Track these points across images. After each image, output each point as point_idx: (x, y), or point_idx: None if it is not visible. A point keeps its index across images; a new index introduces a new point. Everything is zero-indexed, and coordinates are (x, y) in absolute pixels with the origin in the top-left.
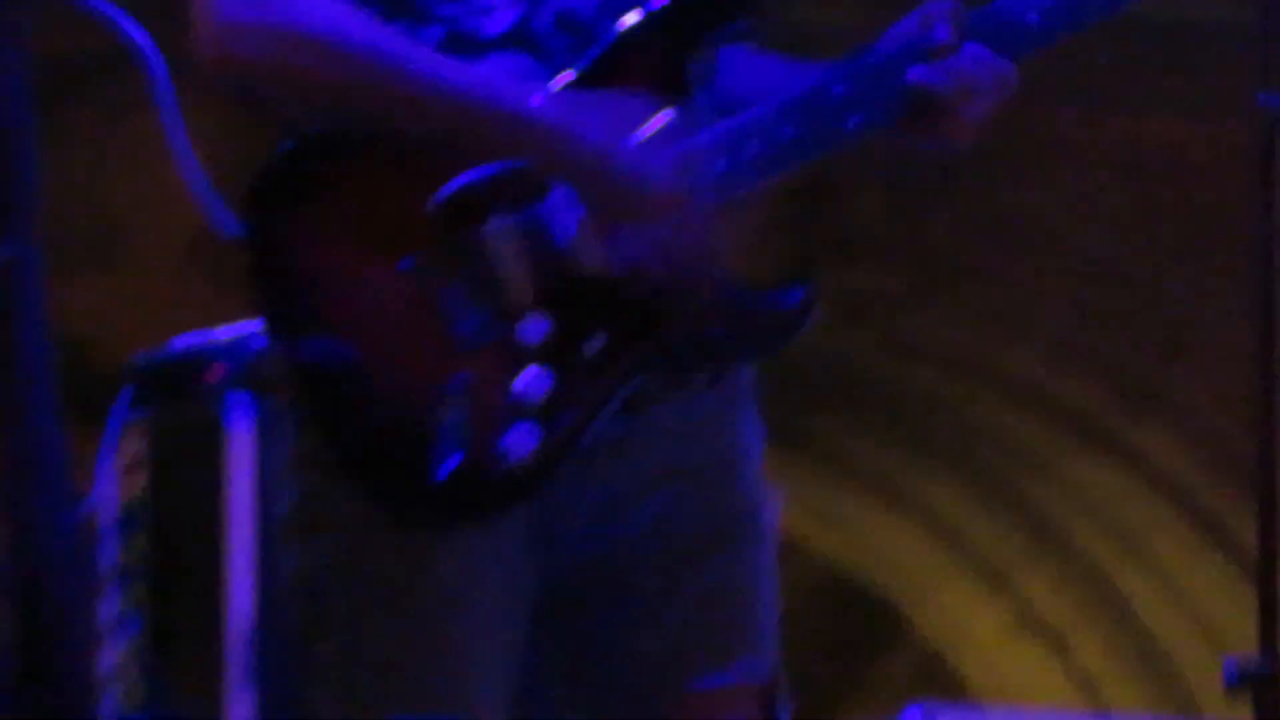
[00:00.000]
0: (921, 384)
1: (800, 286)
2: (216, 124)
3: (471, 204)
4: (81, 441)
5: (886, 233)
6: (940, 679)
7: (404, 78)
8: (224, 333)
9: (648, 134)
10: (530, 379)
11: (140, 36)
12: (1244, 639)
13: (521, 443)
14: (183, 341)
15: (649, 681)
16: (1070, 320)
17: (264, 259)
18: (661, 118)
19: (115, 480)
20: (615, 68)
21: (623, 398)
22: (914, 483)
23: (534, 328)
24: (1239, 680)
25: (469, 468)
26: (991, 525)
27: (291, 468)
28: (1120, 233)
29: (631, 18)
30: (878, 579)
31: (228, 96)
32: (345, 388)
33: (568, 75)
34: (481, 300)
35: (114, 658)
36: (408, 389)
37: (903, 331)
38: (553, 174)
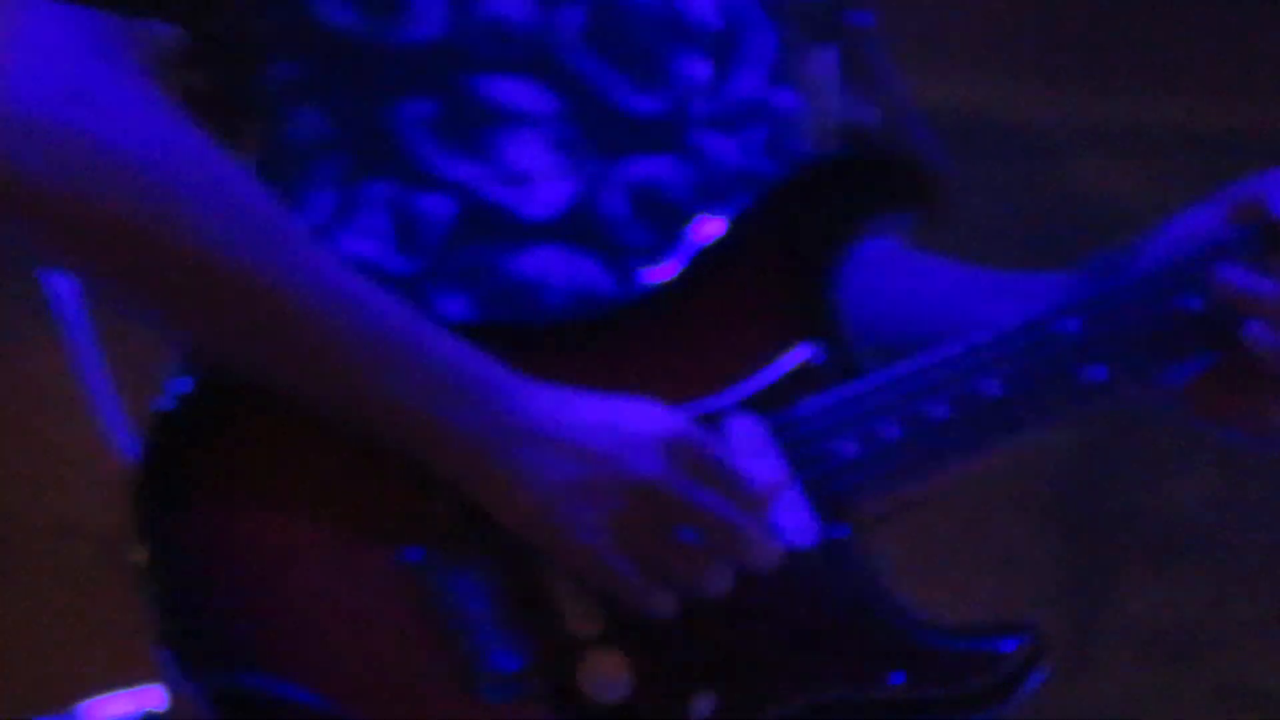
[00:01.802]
0: None
1: (1021, 632)
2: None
3: None
4: None
5: None
6: None
7: (317, 296)
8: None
9: (762, 385)
10: None
11: None
12: None
13: None
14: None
15: None
16: None
17: (170, 558)
18: (794, 356)
19: None
20: (714, 280)
21: None
22: None
23: (606, 672)
24: None
25: None
26: None
27: None
28: None
29: (744, 200)
30: None
31: None
32: None
33: (641, 284)
34: (524, 626)
35: None
36: None
37: None
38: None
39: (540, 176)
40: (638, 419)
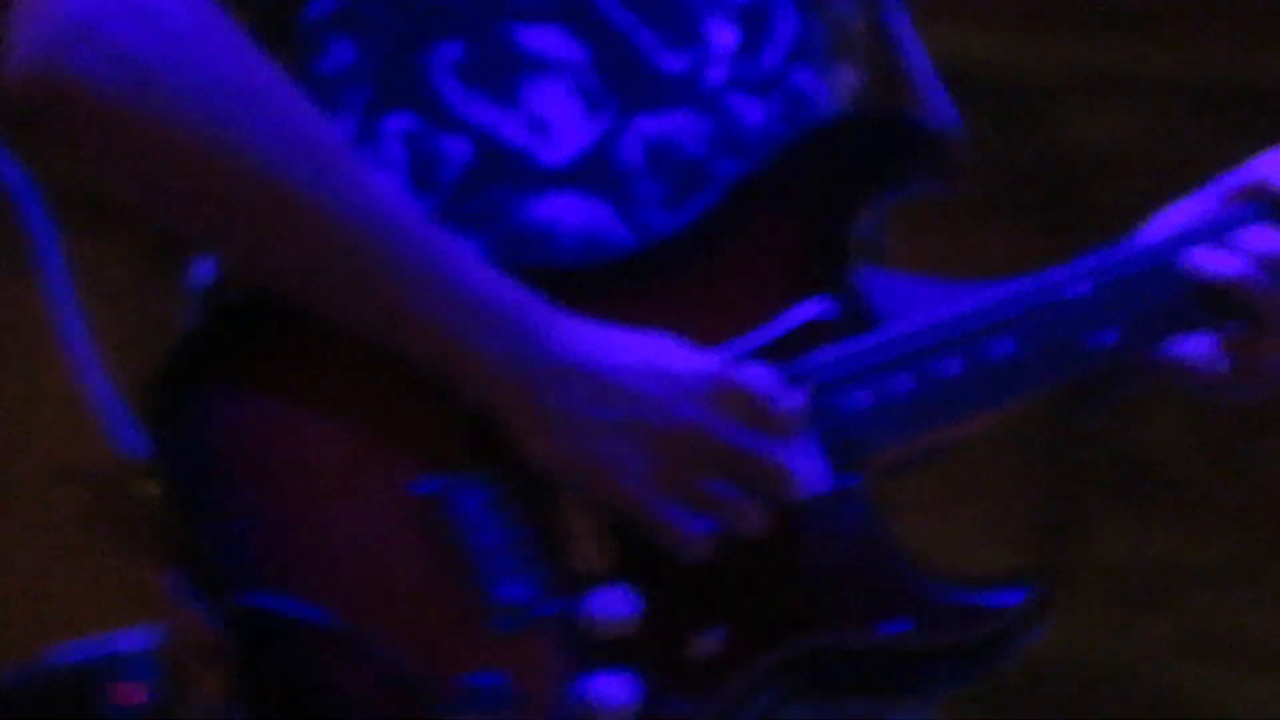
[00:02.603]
0: None
1: (1024, 585)
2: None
3: None
4: None
5: None
6: None
7: (357, 216)
8: (132, 639)
9: (773, 336)
10: (604, 686)
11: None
12: None
13: None
14: (71, 651)
15: None
16: None
17: (186, 480)
18: (806, 309)
19: None
20: (733, 231)
21: None
22: None
23: (614, 605)
24: None
25: None
26: None
27: None
28: None
29: (760, 156)
30: None
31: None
32: (311, 675)
33: (656, 234)
34: (534, 558)
35: None
36: (408, 683)
37: None
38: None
39: (560, 123)
40: (679, 360)
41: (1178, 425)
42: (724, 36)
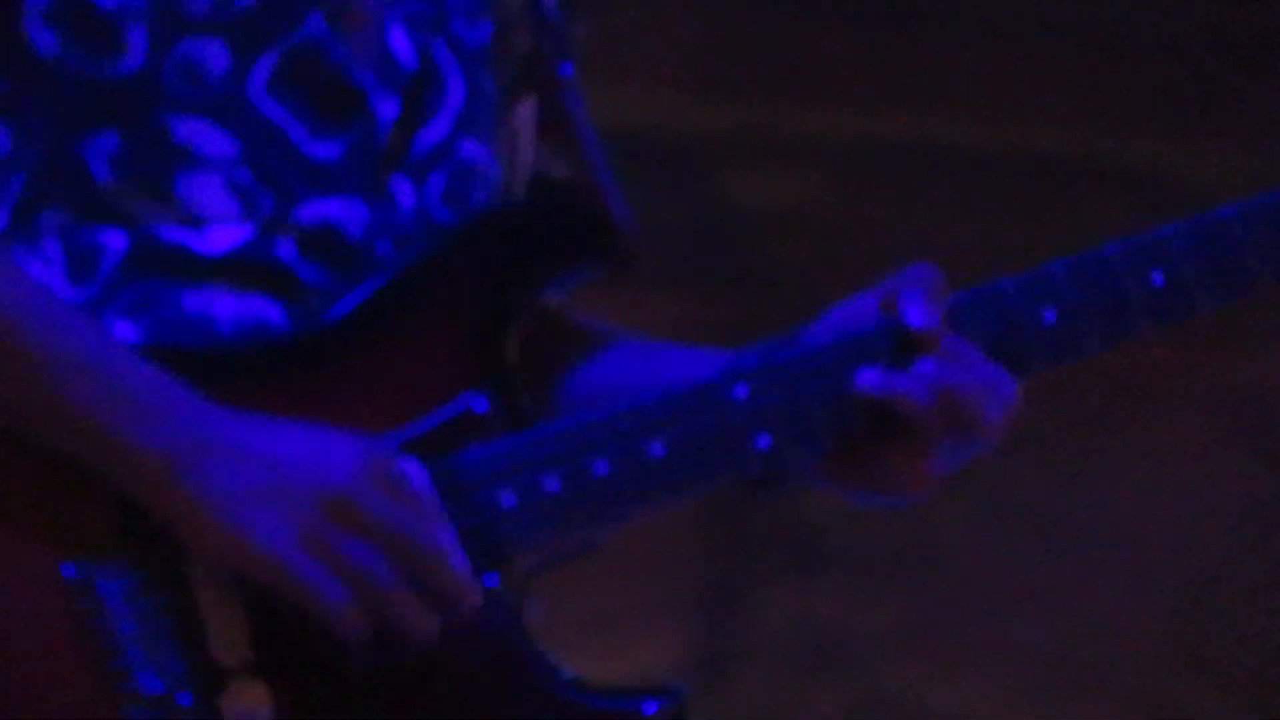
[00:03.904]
0: None
1: (663, 694)
2: None
3: None
4: None
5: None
6: None
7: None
8: None
9: (425, 429)
10: None
11: None
12: None
13: None
14: None
15: None
16: None
17: None
18: (459, 404)
19: None
20: (392, 320)
21: None
22: None
23: (248, 703)
24: None
25: None
26: None
27: None
28: None
29: (424, 243)
30: None
31: None
32: None
33: (316, 320)
34: (173, 649)
35: None
36: None
37: None
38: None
39: (216, 219)
40: (331, 436)
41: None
42: (386, 109)
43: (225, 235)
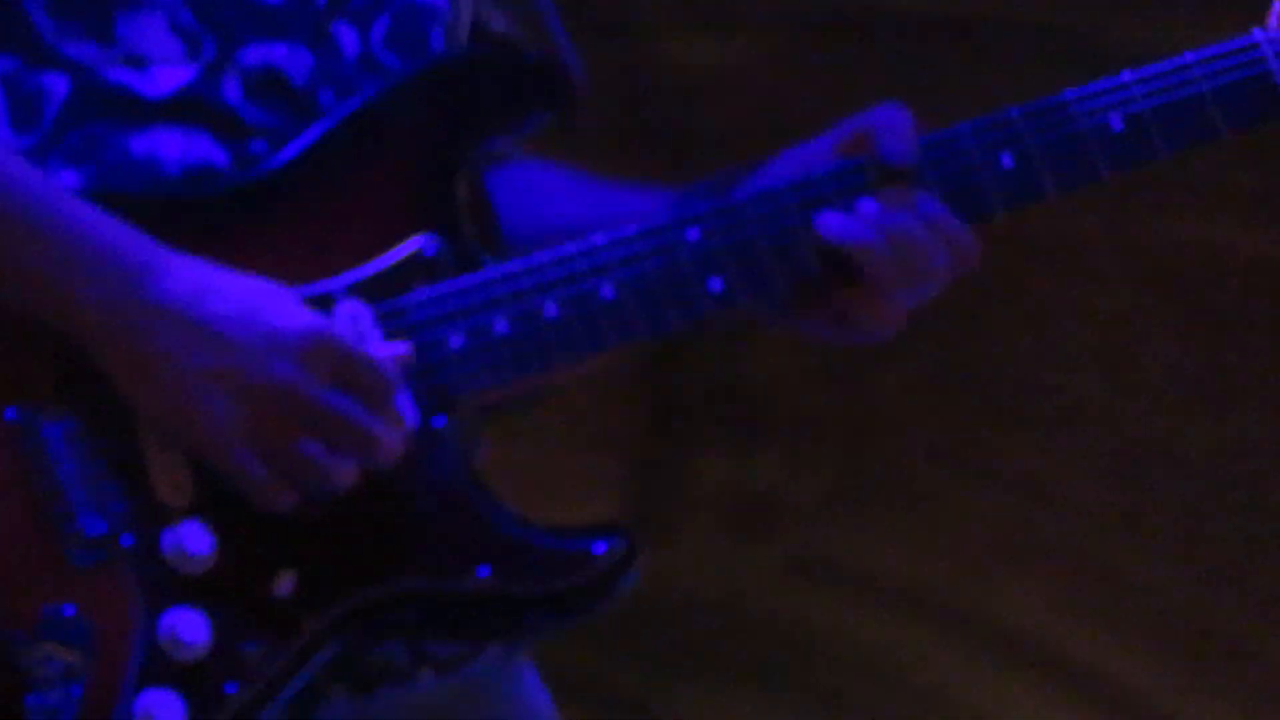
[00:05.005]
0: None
1: (613, 534)
2: None
3: None
4: None
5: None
6: None
7: None
8: None
9: (373, 272)
10: (178, 622)
11: None
12: None
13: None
14: None
15: None
16: None
17: None
18: (407, 246)
19: None
20: (341, 164)
21: (322, 671)
22: None
23: (189, 541)
24: None
25: None
26: None
27: None
28: None
29: (372, 89)
30: None
31: None
32: None
33: (262, 165)
34: (114, 491)
35: None
36: None
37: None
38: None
39: (160, 60)
40: (279, 313)
41: (783, 356)
42: None
43: (170, 76)
